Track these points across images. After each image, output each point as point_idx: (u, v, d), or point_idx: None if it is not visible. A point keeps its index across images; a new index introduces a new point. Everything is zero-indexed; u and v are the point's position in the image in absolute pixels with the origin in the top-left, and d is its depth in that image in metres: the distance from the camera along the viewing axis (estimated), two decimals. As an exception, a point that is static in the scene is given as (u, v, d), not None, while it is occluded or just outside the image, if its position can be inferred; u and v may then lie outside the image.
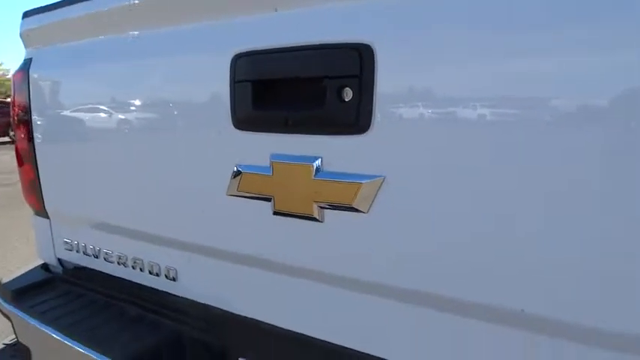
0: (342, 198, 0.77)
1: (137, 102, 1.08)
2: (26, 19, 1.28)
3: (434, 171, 0.70)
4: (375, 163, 0.74)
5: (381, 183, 0.74)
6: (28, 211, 1.47)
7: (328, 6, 0.77)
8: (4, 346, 1.45)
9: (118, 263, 1.23)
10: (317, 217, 0.81)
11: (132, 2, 0.98)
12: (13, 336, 1.49)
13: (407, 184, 0.72)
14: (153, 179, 1.06)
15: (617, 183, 0.58)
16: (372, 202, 0.75)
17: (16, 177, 1.62)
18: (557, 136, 0.60)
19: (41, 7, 1.25)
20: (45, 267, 1.49)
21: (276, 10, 0.83)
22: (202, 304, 1.07)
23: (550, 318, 0.65)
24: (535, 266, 0.64)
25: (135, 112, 1.08)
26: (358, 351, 0.85)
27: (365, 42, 0.72)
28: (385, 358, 0.82)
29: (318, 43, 0.77)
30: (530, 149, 0.62)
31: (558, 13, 0.60)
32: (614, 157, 0.58)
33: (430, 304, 0.75)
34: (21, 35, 1.31)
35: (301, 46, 0.79)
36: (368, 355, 0.83)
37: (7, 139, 15.38)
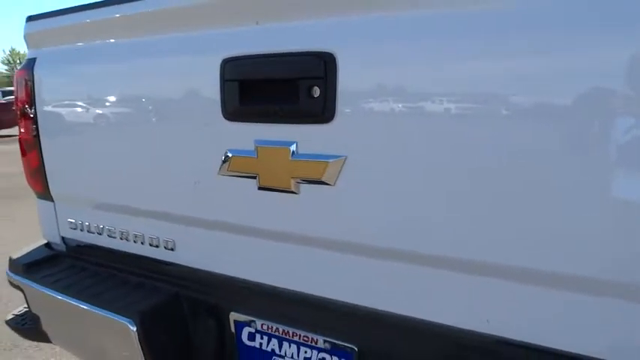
0: (314, 174, 0.97)
1: (137, 97, 1.25)
2: (30, 23, 1.43)
3: (384, 150, 0.91)
4: (339, 146, 0.94)
5: (344, 161, 0.94)
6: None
7: (300, 21, 0.96)
8: (13, 316, 1.61)
9: (121, 238, 1.41)
10: (294, 190, 1.01)
11: (137, 13, 1.16)
12: (21, 308, 1.66)
13: (363, 161, 0.93)
14: (153, 163, 1.24)
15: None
16: (337, 176, 0.95)
17: None
18: (464, 122, 0.82)
19: (45, 13, 1.40)
20: (48, 246, 1.65)
21: (257, 24, 1.02)
22: (197, 268, 1.26)
23: (475, 260, 0.87)
24: (460, 221, 0.86)
25: (136, 106, 1.26)
26: (329, 298, 1.06)
27: (329, 51, 0.92)
28: (352, 302, 1.03)
29: (291, 51, 0.96)
30: (445, 130, 0.83)
31: (461, 23, 0.81)
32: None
33: (385, 257, 0.97)
34: (25, 37, 1.46)
35: (278, 53, 0.98)
36: (337, 300, 1.05)
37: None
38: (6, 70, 65.25)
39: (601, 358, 0.79)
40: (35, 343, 2.88)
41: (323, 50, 0.93)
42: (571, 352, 0.81)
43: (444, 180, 0.86)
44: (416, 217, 0.90)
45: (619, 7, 0.70)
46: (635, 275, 0.74)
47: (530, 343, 0.85)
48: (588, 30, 0.72)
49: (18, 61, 64.08)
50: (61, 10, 1.35)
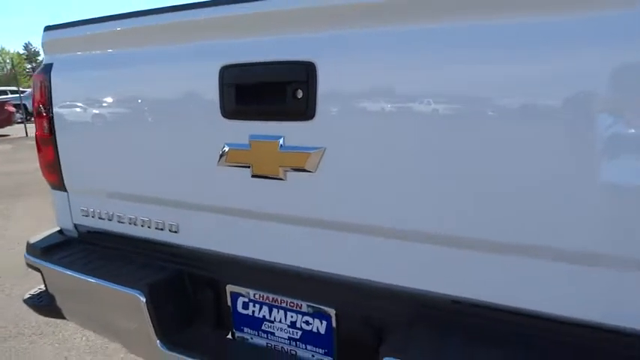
0: (298, 163, 1.17)
1: (145, 98, 1.44)
2: (48, 32, 1.61)
3: (357, 142, 1.10)
4: (319, 139, 1.13)
5: (323, 152, 1.13)
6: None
7: (286, 36, 1.16)
8: (30, 295, 1.78)
9: (129, 223, 1.59)
10: (282, 177, 1.20)
11: (145, 26, 1.34)
12: (35, 289, 1.83)
13: (340, 151, 1.12)
14: (160, 156, 1.43)
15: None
16: (318, 165, 1.14)
17: None
18: (416, 118, 1.01)
19: (61, 24, 1.58)
20: (60, 232, 1.83)
21: (248, 36, 1.21)
22: (198, 248, 1.45)
23: (430, 232, 1.06)
24: (417, 199, 1.06)
25: (144, 105, 1.44)
26: (310, 269, 1.25)
27: (310, 60, 1.11)
28: (330, 271, 1.22)
29: (279, 60, 1.16)
30: (404, 124, 1.03)
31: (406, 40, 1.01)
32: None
33: (358, 231, 1.16)
34: (42, 44, 1.64)
35: (268, 62, 1.17)
36: (318, 270, 1.24)
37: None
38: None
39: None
40: (39, 330, 3.05)
41: (305, 60, 1.12)
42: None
43: (404, 165, 1.06)
44: (382, 197, 1.10)
45: None
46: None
47: (479, 300, 1.05)
48: None
49: (8, 61, 63.40)
50: (76, 21, 1.53)
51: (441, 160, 1.01)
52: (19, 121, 17.01)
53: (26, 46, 72.58)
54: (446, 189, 1.02)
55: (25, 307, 3.20)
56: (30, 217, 5.61)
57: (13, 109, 16.71)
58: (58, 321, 3.15)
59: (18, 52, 67.52)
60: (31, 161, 10.08)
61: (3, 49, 64.41)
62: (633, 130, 0.85)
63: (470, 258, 1.03)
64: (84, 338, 2.97)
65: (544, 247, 0.94)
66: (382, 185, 1.09)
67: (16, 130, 16.51)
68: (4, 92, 27.63)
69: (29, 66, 65.43)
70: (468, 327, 1.06)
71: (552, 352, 0.98)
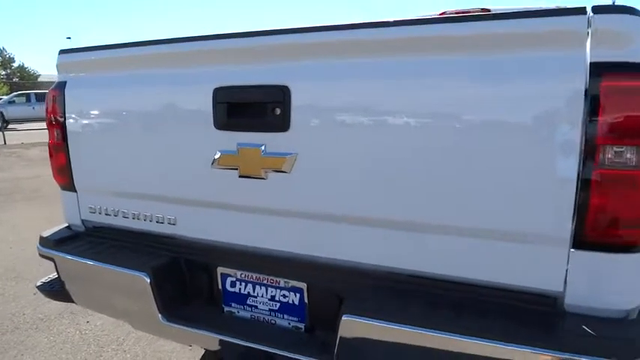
0: (276, 166, 1.47)
1: (150, 112, 1.73)
2: (62, 55, 1.89)
3: (322, 149, 1.41)
4: (292, 146, 1.44)
5: (296, 157, 1.44)
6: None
7: (267, 65, 1.47)
8: (42, 283, 2.04)
9: (132, 218, 1.87)
10: (263, 177, 1.50)
11: (148, 53, 1.64)
12: (45, 277, 2.08)
13: (309, 156, 1.43)
14: (162, 160, 1.72)
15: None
16: (292, 166, 1.45)
17: None
18: (361, 131, 1.34)
19: (74, 48, 1.87)
20: (68, 228, 2.09)
21: (237, 65, 1.52)
22: (193, 237, 1.73)
23: (376, 217, 1.38)
24: (366, 191, 1.37)
25: (150, 118, 1.74)
26: (286, 251, 1.55)
27: (285, 84, 1.43)
28: (301, 253, 1.52)
29: (262, 84, 1.47)
30: (355, 135, 1.35)
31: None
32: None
33: (323, 219, 1.47)
34: (57, 65, 1.92)
35: (253, 85, 1.48)
36: (292, 252, 1.54)
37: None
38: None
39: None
40: (35, 325, 3.26)
41: (282, 84, 1.43)
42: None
43: (353, 165, 1.38)
44: (339, 191, 1.41)
45: None
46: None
47: (410, 270, 1.37)
48: None
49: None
50: (88, 47, 1.82)
51: (372, 162, 1.36)
52: (-4, 128, 16.88)
53: (0, 52, 70.81)
54: (375, 183, 1.35)
55: (19, 305, 3.46)
56: (16, 222, 5.77)
57: (-10, 116, 16.61)
58: (52, 317, 3.38)
59: (-8, 58, 65.46)
60: (10, 169, 10.14)
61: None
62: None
63: (399, 236, 1.36)
64: (77, 332, 3.19)
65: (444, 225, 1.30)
66: (340, 181, 1.41)
67: (-8, 138, 16.39)
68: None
69: (3, 72, 63.67)
70: (403, 290, 1.38)
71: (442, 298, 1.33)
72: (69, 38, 74.06)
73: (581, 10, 1.11)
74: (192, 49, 1.59)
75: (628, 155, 1.11)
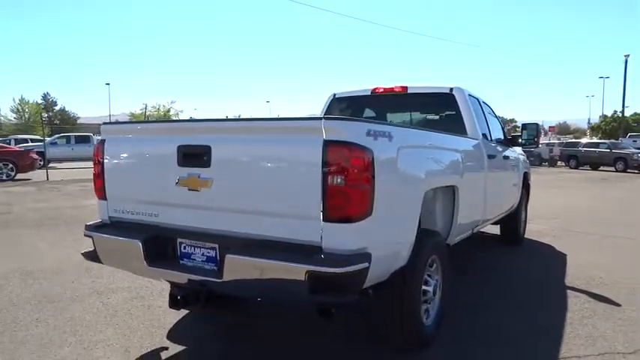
0: (205, 184, 2.99)
1: (146, 155, 3.31)
2: (104, 125, 3.53)
3: (227, 176, 2.94)
4: (212, 175, 2.97)
5: (213, 180, 2.96)
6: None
7: (201, 135, 3.04)
8: (85, 251, 3.57)
9: (135, 214, 3.40)
10: (199, 190, 3.02)
11: (153, 127, 3.24)
12: (86, 249, 3.62)
13: (220, 179, 2.95)
14: (152, 181, 3.27)
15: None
16: (212, 185, 2.97)
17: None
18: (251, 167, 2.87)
19: (111, 122, 3.52)
20: (100, 222, 3.64)
21: (189, 134, 3.09)
22: (167, 222, 3.25)
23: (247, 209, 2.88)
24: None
25: (145, 159, 3.32)
26: (208, 228, 3.06)
27: (209, 144, 2.97)
28: (214, 228, 3.02)
29: (197, 144, 3.02)
30: (248, 169, 2.88)
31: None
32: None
33: (227, 211, 2.98)
34: (102, 130, 3.55)
35: (194, 145, 3.04)
36: (210, 228, 3.04)
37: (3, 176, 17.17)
38: (14, 117, 66.62)
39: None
40: (35, 317, 4.73)
41: (206, 144, 2.98)
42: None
43: (239, 184, 2.89)
44: (234, 196, 2.92)
45: None
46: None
47: (253, 234, 2.85)
48: None
49: (26, 110, 65.66)
50: (118, 122, 3.47)
51: (244, 181, 2.88)
52: (40, 166, 19.01)
53: (44, 96, 75.44)
54: (247, 192, 2.86)
55: (19, 300, 5.03)
56: (51, 239, 7.41)
57: (36, 156, 18.78)
58: (85, 295, 4.88)
59: (37, 102, 69.48)
60: (52, 200, 11.98)
61: (23, 98, 67.04)
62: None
63: (249, 218, 2.86)
64: (101, 304, 4.68)
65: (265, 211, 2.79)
66: (232, 192, 2.92)
67: (37, 175, 18.57)
68: (26, 140, 30.04)
69: (46, 115, 67.66)
70: (252, 244, 2.86)
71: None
72: (108, 84, 79.02)
73: (320, 118, 2.65)
74: (169, 126, 3.18)
75: (339, 180, 2.60)
